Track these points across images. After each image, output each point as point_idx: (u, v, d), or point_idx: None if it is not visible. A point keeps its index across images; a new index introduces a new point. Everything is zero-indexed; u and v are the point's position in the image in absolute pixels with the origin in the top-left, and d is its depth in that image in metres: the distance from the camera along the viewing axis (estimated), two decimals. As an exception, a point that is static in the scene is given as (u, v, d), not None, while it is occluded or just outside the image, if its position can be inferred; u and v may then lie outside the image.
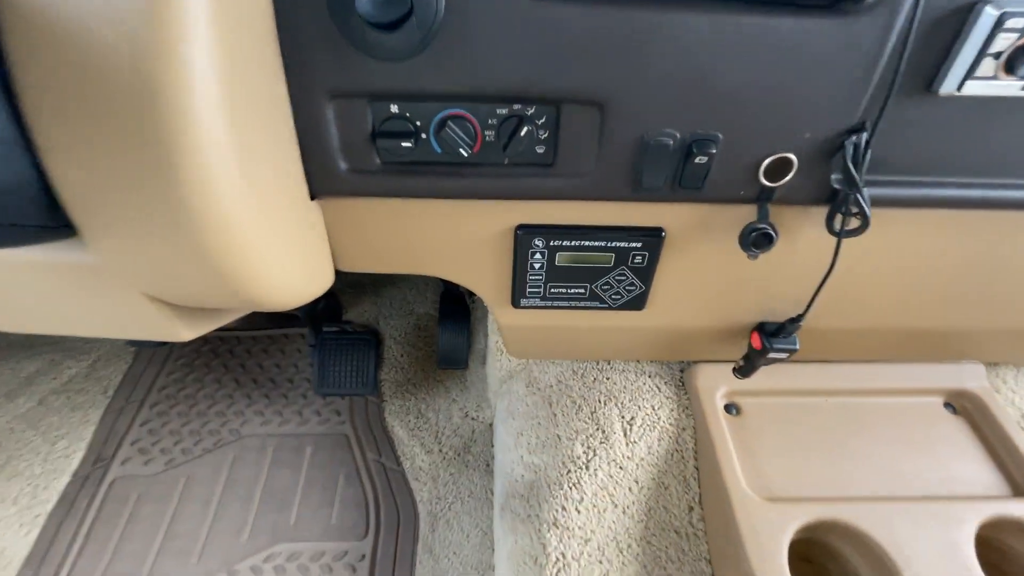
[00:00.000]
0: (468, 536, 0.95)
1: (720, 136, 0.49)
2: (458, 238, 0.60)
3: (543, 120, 0.50)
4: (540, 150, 0.52)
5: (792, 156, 0.51)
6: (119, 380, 1.18)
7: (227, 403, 1.14)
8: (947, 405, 0.85)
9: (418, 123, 0.50)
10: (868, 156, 0.50)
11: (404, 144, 0.50)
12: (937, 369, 0.86)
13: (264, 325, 1.28)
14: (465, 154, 0.49)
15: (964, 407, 0.84)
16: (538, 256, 0.61)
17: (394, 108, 0.49)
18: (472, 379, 1.21)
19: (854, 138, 0.50)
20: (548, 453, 0.83)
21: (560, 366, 0.92)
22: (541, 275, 0.63)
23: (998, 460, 0.77)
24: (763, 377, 0.79)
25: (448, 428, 1.12)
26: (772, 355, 0.69)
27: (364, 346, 1.10)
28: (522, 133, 0.49)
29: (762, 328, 0.70)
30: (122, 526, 0.96)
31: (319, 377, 1.05)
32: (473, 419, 1.14)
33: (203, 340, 1.25)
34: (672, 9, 0.42)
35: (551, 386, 0.91)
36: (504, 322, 0.71)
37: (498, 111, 0.49)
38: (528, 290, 0.64)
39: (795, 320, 0.65)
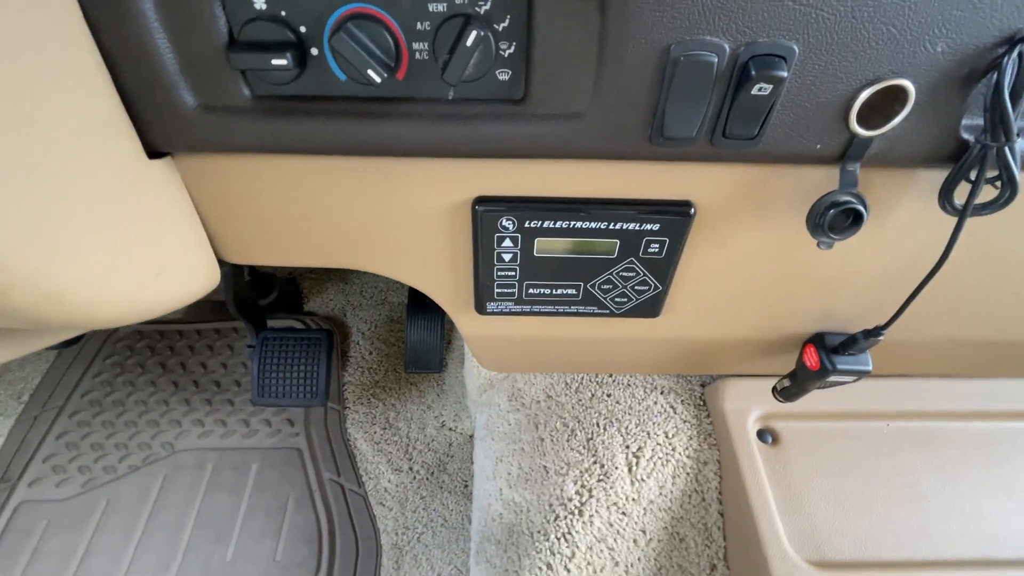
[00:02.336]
0: (439, 575, 0.79)
1: (796, 50, 0.31)
2: (387, 217, 0.41)
3: (506, 21, 0.31)
4: (503, 75, 0.33)
5: (908, 84, 0.32)
6: (36, 383, 1.01)
7: (161, 410, 0.98)
8: (1041, 432, 0.67)
9: (302, 28, 0.31)
10: (1033, 85, 0.31)
11: (277, 63, 0.31)
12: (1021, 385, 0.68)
13: (210, 317, 1.10)
14: (378, 80, 0.30)
15: (1064, 435, 0.66)
16: (508, 243, 0.42)
17: (260, 2, 0.30)
18: (451, 382, 1.03)
19: (1017, 51, 0.31)
20: (532, 489, 0.66)
21: (550, 377, 0.74)
22: (513, 270, 0.44)
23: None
24: (807, 396, 0.61)
25: (421, 441, 0.95)
26: (834, 377, 0.50)
27: (315, 347, 0.92)
28: (468, 42, 0.30)
29: (820, 341, 0.51)
30: (23, 563, 0.80)
31: (258, 384, 0.88)
32: (451, 430, 0.98)
33: (138, 334, 1.08)
34: None
35: (538, 402, 0.73)
36: (468, 331, 0.52)
37: (430, 6, 0.30)
38: (497, 291, 0.46)
39: (873, 333, 0.46)
